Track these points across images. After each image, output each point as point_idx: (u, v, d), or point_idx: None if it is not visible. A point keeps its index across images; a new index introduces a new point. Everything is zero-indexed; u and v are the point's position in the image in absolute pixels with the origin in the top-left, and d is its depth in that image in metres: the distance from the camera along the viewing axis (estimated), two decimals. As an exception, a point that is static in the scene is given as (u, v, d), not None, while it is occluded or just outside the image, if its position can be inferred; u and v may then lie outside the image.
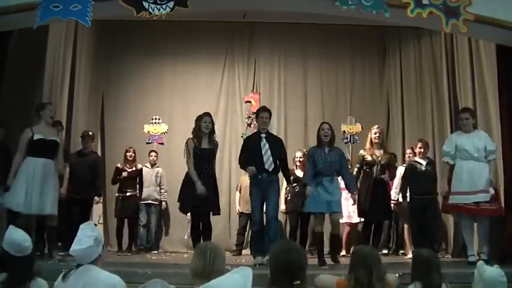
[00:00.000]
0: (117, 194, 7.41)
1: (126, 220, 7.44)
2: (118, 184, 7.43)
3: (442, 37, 7.80)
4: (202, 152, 5.59)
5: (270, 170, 5.56)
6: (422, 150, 6.49)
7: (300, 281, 2.29)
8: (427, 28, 7.11)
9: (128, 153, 7.47)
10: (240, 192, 7.71)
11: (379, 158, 6.18)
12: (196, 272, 2.48)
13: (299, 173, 6.90)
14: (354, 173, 6.34)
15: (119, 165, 7.47)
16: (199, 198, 5.43)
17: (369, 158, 6.21)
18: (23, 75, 6.67)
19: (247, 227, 7.53)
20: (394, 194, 6.87)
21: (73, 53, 7.50)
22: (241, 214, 7.72)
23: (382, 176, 6.15)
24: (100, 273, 2.75)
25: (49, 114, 5.54)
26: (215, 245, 2.62)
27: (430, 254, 3.07)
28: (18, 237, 2.75)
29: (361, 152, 6.34)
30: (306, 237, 7.01)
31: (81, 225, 2.86)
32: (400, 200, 6.70)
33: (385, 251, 7.26)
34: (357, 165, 6.36)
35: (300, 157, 7.05)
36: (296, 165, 7.04)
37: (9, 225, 2.86)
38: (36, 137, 5.35)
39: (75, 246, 2.73)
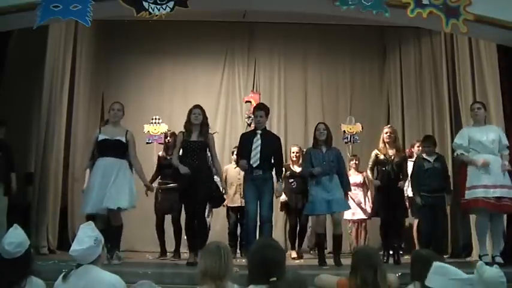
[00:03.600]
0: (157, 186, 6.61)
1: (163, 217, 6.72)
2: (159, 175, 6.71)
3: (442, 37, 7.80)
4: (189, 145, 5.53)
5: (254, 166, 5.49)
6: (429, 148, 6.19)
7: (276, 277, 2.32)
8: (427, 28, 7.11)
9: (166, 139, 6.78)
10: (225, 182, 6.84)
11: (392, 157, 6.09)
12: (210, 273, 2.45)
13: (296, 169, 6.83)
14: (369, 170, 6.30)
15: (159, 153, 6.83)
16: (189, 193, 5.43)
17: (382, 157, 6.13)
18: (23, 75, 6.68)
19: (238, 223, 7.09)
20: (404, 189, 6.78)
21: (73, 53, 7.49)
22: (229, 209, 7.12)
23: (399, 184, 6.05)
24: (100, 273, 2.75)
25: (112, 114, 5.61)
26: (226, 245, 2.66)
27: (429, 253, 3.07)
28: (8, 241, 2.72)
29: (374, 151, 6.25)
30: (304, 234, 6.97)
31: (81, 225, 2.87)
32: (410, 194, 6.57)
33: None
34: (370, 165, 6.26)
35: (297, 152, 6.95)
36: (292, 161, 6.93)
37: (14, 224, 2.86)
38: (100, 137, 5.48)
39: (76, 247, 2.73)
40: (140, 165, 5.68)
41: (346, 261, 5.34)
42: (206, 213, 6.79)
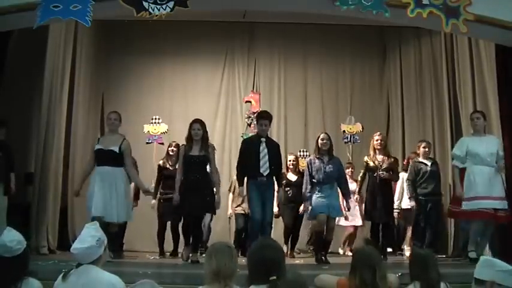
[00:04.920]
0: (159, 196, 6.74)
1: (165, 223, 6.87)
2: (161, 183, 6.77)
3: (442, 37, 7.80)
4: (190, 159, 5.63)
5: (265, 174, 5.59)
6: (426, 149, 6.47)
7: (276, 276, 2.33)
8: (427, 28, 7.11)
9: (169, 148, 6.81)
10: (233, 193, 7.13)
11: (381, 163, 6.25)
12: (223, 273, 2.45)
13: (291, 177, 6.91)
14: (359, 178, 6.54)
15: (160, 162, 6.85)
16: (186, 204, 5.55)
17: (371, 164, 6.30)
18: (23, 75, 6.68)
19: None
20: (397, 201, 6.89)
21: (73, 53, 7.48)
22: (236, 216, 7.12)
23: (380, 172, 6.17)
24: (100, 273, 2.75)
25: (108, 123, 5.80)
26: (233, 245, 2.69)
27: (427, 253, 3.08)
28: (9, 240, 2.73)
29: (365, 158, 6.45)
30: (297, 238, 7.08)
31: (86, 225, 2.89)
32: (404, 206, 6.84)
33: (389, 250, 7.30)
34: (362, 171, 6.49)
35: (293, 160, 7.02)
36: (288, 169, 6.96)
37: (7, 227, 2.85)
38: (96, 147, 5.63)
39: (77, 245, 2.73)
40: (135, 174, 5.83)
41: (345, 260, 5.39)
42: (209, 219, 6.89)
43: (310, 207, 5.99)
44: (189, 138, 5.70)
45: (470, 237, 5.64)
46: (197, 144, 5.66)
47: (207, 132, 5.79)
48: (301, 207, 6.45)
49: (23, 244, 2.77)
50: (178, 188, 5.66)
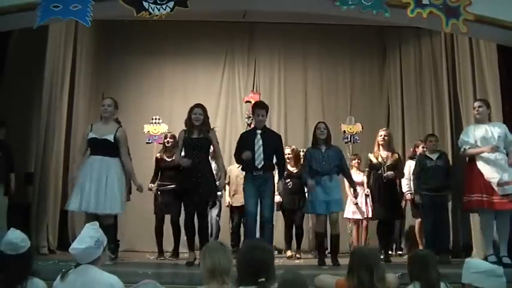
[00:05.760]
0: (156, 188, 6.62)
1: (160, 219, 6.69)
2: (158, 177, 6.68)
3: (442, 37, 7.80)
4: (190, 142, 5.42)
5: (259, 167, 5.37)
6: (432, 142, 6.27)
7: (264, 278, 2.33)
8: (427, 28, 7.11)
9: (165, 140, 6.72)
10: (228, 184, 7.00)
11: (385, 160, 6.23)
12: (218, 269, 2.46)
13: (291, 168, 6.86)
14: (365, 175, 6.60)
15: (158, 155, 6.76)
16: (188, 192, 5.35)
17: (375, 161, 6.29)
18: (23, 75, 6.68)
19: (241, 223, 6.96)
20: (406, 186, 6.80)
21: (73, 53, 7.49)
22: (232, 209, 7.04)
23: (386, 174, 6.17)
24: (99, 273, 2.75)
25: (102, 110, 5.43)
26: (226, 243, 2.70)
27: (427, 253, 3.08)
28: (14, 237, 2.75)
29: (369, 155, 6.45)
30: (301, 233, 6.98)
31: (86, 224, 2.90)
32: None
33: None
34: (366, 169, 6.51)
35: (288, 154, 6.93)
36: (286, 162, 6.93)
37: (11, 228, 2.86)
38: (90, 135, 5.30)
39: (75, 245, 2.74)
40: (131, 164, 5.49)
41: (345, 261, 5.37)
42: (216, 213, 6.93)
43: (311, 185, 5.66)
44: (189, 123, 5.48)
45: (485, 237, 5.33)
46: (197, 128, 5.46)
47: (208, 117, 5.60)
48: (309, 187, 5.93)
49: (27, 242, 2.80)
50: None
